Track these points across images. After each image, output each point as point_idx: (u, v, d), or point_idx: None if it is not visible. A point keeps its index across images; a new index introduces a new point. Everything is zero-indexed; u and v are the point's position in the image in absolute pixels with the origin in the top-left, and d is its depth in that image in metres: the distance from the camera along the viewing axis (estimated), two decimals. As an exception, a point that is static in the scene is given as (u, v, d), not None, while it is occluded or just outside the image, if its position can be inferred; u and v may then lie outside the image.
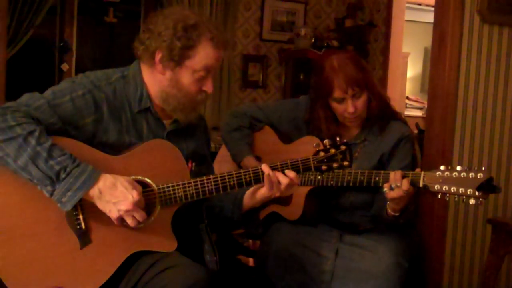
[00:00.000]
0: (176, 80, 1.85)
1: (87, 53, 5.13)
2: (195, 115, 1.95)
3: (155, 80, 1.88)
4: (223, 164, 2.65)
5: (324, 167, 1.89)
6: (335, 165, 1.90)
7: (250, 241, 3.07)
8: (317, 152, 1.90)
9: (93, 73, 1.89)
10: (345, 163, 1.90)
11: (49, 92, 1.79)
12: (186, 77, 1.85)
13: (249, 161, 2.45)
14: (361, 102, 2.29)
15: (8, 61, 4.49)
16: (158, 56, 1.83)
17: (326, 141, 1.91)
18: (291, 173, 1.87)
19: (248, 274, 2.13)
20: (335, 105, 2.31)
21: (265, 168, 1.85)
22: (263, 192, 1.91)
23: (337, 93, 2.27)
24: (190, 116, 1.92)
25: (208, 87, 1.88)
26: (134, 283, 1.72)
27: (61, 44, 4.96)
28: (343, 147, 1.90)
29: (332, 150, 1.90)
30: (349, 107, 2.27)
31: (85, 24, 5.10)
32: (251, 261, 2.91)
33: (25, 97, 1.76)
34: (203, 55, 1.83)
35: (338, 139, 1.92)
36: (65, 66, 4.97)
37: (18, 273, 1.69)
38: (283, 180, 1.86)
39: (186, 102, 1.87)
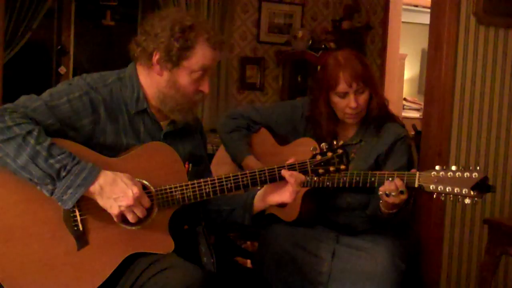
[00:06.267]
0: (173, 81, 1.86)
1: (84, 56, 5.14)
2: (192, 116, 1.97)
3: (152, 81, 1.89)
4: (220, 166, 2.65)
5: (321, 171, 1.89)
6: (331, 168, 1.89)
7: (248, 242, 3.08)
8: (314, 156, 1.90)
9: (90, 76, 1.90)
10: (342, 166, 1.90)
11: (46, 94, 1.80)
12: (184, 78, 1.86)
13: (250, 161, 2.46)
14: (363, 98, 2.30)
15: (5, 64, 4.51)
16: (155, 57, 1.84)
17: (323, 145, 1.90)
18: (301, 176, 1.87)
19: (245, 276, 2.13)
20: (337, 100, 2.31)
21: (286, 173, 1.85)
22: (278, 199, 1.90)
23: (341, 87, 2.27)
24: (187, 117, 1.93)
25: (205, 87, 1.90)
26: (130, 284, 1.73)
27: (59, 47, 4.97)
28: (339, 151, 1.90)
29: (329, 154, 1.89)
30: (351, 101, 2.27)
31: (83, 27, 5.11)
32: (249, 263, 2.92)
33: (23, 99, 1.77)
34: (201, 55, 1.85)
35: (335, 142, 1.92)
36: (62, 69, 4.98)
37: (15, 274, 1.69)
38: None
39: (183, 103, 1.89)
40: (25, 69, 4.82)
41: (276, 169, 1.87)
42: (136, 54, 1.89)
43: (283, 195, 1.89)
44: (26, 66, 4.84)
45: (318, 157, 1.90)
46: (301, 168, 1.88)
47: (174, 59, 1.83)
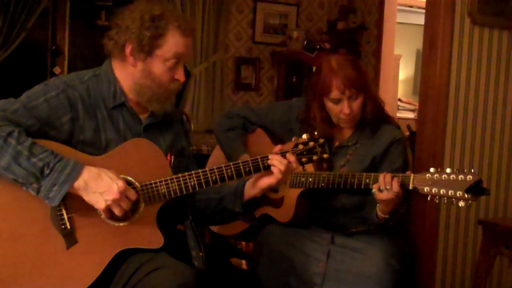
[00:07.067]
0: (148, 71, 1.87)
1: (79, 56, 5.12)
2: (170, 105, 1.97)
3: (127, 73, 1.91)
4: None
5: (304, 159, 1.94)
6: (314, 157, 1.95)
7: (243, 243, 3.08)
8: (296, 145, 1.94)
9: (66, 75, 1.94)
10: (325, 155, 1.95)
11: (24, 96, 1.82)
12: (158, 67, 1.87)
13: (246, 159, 2.45)
14: (357, 104, 2.30)
15: (0, 64, 4.50)
16: (128, 49, 1.86)
17: (304, 135, 1.96)
18: (291, 157, 1.92)
19: (239, 276, 2.13)
20: (331, 105, 2.31)
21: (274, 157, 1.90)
22: (267, 181, 1.94)
23: (334, 94, 2.27)
24: (165, 106, 1.94)
25: (180, 75, 1.91)
26: (122, 284, 1.73)
27: (53, 47, 4.95)
28: (321, 140, 1.95)
29: (311, 143, 1.95)
30: (345, 108, 2.27)
31: (77, 27, 5.09)
32: (244, 264, 2.92)
33: (1, 103, 1.79)
34: (173, 43, 1.86)
35: (315, 132, 1.97)
36: (57, 69, 4.96)
37: (5, 276, 1.69)
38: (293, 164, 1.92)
39: (160, 92, 1.90)
40: (19, 69, 4.80)
41: (259, 160, 1.90)
42: (109, 48, 1.90)
43: (271, 177, 1.92)
44: (21, 66, 4.82)
45: (301, 146, 1.94)
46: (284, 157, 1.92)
47: (146, 49, 1.85)
